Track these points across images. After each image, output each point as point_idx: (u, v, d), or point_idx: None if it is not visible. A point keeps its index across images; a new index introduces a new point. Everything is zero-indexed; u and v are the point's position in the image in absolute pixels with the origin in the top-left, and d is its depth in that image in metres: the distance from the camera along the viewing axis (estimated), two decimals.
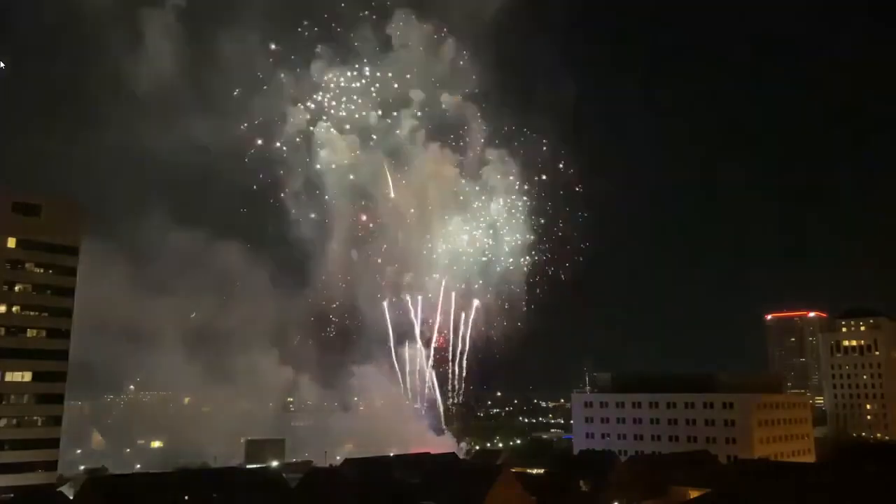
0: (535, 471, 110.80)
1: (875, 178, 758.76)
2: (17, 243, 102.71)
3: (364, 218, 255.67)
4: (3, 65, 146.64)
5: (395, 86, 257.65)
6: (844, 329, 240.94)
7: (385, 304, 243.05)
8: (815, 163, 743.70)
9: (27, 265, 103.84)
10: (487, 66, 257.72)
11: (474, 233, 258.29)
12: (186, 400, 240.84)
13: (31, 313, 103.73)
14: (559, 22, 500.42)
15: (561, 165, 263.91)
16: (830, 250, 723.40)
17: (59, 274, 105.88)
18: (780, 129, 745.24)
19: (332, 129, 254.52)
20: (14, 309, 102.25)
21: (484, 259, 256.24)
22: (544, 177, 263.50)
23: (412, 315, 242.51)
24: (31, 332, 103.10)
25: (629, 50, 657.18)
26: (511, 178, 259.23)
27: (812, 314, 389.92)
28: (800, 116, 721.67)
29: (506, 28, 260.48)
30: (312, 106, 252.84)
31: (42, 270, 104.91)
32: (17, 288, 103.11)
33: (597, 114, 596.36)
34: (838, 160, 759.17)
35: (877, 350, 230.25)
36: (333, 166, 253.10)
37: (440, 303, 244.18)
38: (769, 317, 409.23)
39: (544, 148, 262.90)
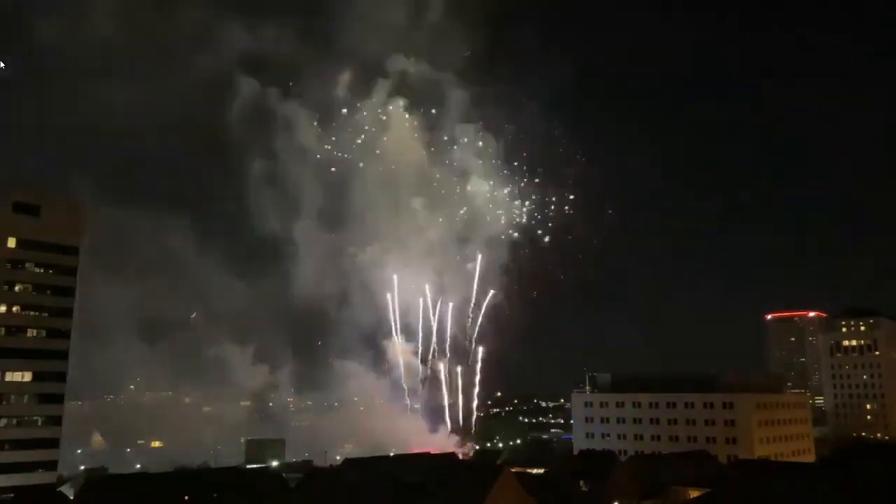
0: (535, 471, 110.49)
1: (875, 177, 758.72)
2: (17, 243, 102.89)
3: (334, 201, 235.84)
4: (3, 64, 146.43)
5: (368, 52, 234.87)
6: (844, 329, 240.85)
7: (365, 294, 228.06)
8: (816, 161, 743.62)
9: (27, 265, 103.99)
10: (475, 29, 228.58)
11: (454, 220, 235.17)
12: (187, 399, 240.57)
13: (31, 313, 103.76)
14: None
15: (557, 153, 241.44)
16: (830, 250, 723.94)
17: (59, 274, 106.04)
18: (780, 127, 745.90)
19: (293, 102, 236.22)
20: (14, 309, 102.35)
21: (466, 249, 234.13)
22: (535, 165, 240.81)
23: (391, 309, 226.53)
24: (31, 332, 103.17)
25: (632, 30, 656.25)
26: (496, 160, 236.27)
27: (812, 314, 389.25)
28: (800, 114, 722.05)
29: None
30: (269, 75, 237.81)
31: (42, 270, 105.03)
32: (17, 288, 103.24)
33: (594, 101, 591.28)
34: (838, 158, 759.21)
35: (877, 350, 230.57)
36: (295, 144, 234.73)
37: (423, 295, 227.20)
38: (769, 317, 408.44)
39: (534, 129, 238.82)
